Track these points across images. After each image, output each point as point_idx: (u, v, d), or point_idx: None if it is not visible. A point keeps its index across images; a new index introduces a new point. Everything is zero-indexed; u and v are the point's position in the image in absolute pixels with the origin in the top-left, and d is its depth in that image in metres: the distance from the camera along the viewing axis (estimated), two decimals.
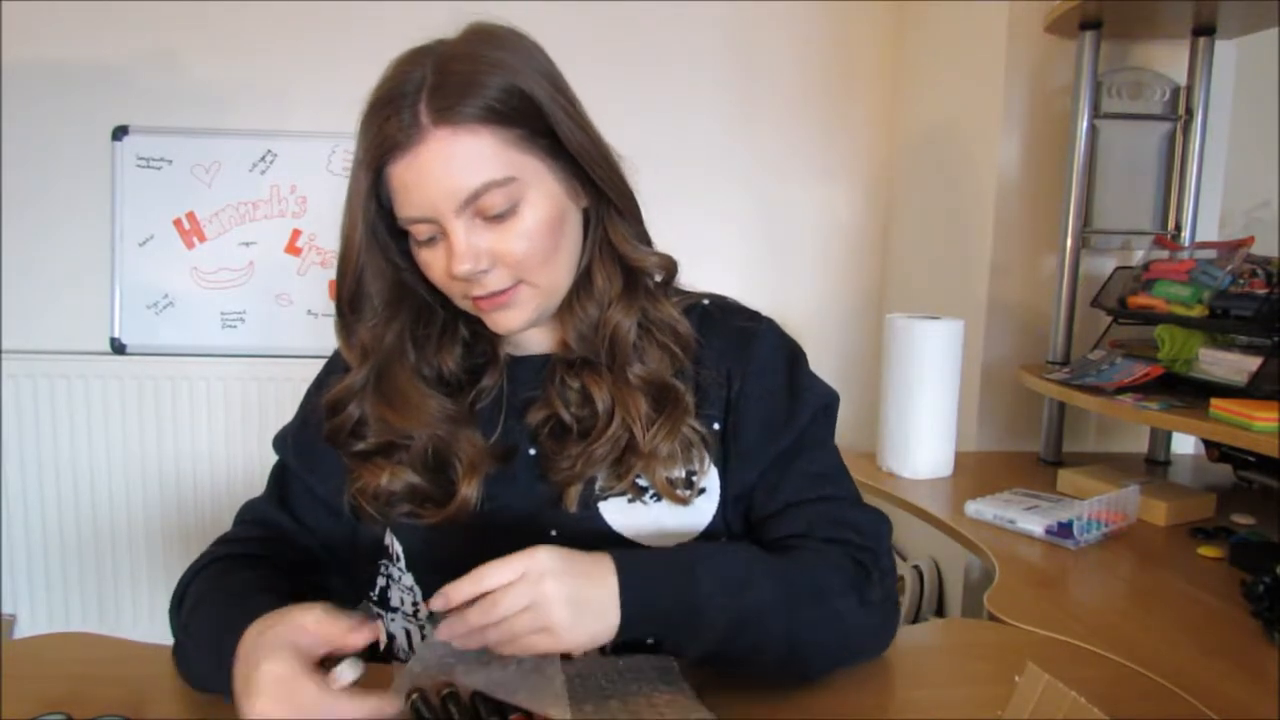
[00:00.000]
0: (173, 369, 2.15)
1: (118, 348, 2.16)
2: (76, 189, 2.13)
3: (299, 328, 2.20)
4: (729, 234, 2.26)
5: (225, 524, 0.88)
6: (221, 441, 2.16)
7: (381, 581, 0.83)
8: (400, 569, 0.81)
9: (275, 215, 2.19)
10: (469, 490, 0.77)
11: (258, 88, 2.15)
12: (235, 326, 2.19)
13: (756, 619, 0.69)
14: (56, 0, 2.07)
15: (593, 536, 0.78)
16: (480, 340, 0.83)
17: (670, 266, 0.83)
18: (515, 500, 0.79)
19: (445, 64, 0.71)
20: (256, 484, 0.90)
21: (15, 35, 2.06)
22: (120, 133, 2.13)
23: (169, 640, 0.79)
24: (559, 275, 0.77)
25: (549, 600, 0.63)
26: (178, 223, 2.16)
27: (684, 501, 0.79)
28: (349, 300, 0.78)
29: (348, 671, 0.61)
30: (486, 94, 0.70)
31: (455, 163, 0.70)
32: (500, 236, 0.72)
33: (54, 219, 2.14)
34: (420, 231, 0.73)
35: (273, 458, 0.88)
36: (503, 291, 0.74)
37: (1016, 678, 0.64)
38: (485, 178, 0.70)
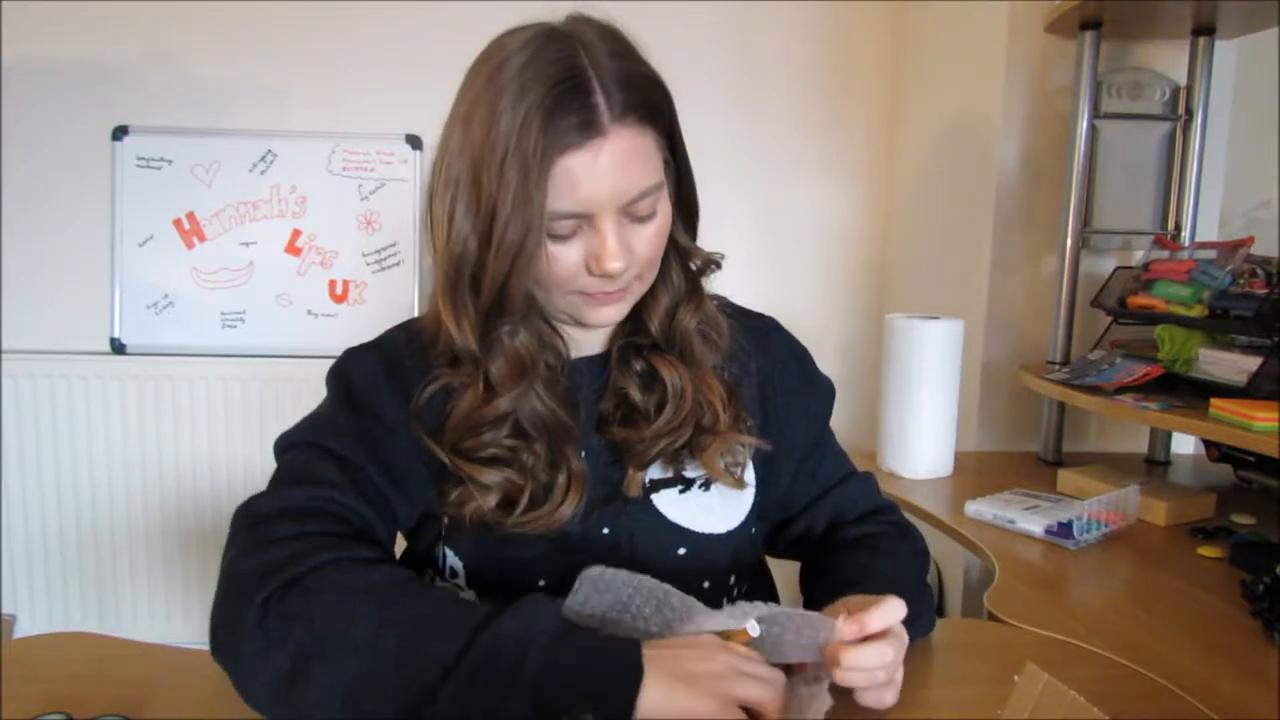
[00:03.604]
0: (173, 369, 2.15)
1: (118, 348, 2.17)
2: (76, 189, 2.13)
3: (299, 328, 2.20)
4: (729, 234, 2.26)
5: (225, 524, 0.76)
6: (221, 441, 2.16)
7: None
8: (458, 585, 0.79)
9: (275, 215, 2.19)
10: (568, 508, 0.76)
11: (258, 88, 2.15)
12: (235, 326, 2.19)
13: (916, 625, 0.78)
14: (57, 0, 2.07)
15: (648, 528, 0.80)
16: (546, 345, 0.80)
17: (713, 263, 0.85)
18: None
19: (601, 59, 0.69)
20: (256, 484, 0.83)
21: (15, 35, 2.07)
22: (120, 133, 2.13)
23: (169, 640, 0.78)
24: (657, 272, 0.80)
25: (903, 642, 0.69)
26: (178, 223, 2.16)
27: (739, 485, 0.83)
28: (506, 307, 0.72)
29: None
30: (650, 95, 0.71)
31: (630, 163, 0.69)
32: (640, 236, 0.73)
33: (54, 219, 2.14)
34: (564, 226, 0.70)
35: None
36: (625, 287, 0.75)
37: (1016, 677, 0.64)
38: (651, 180, 0.71)
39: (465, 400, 0.76)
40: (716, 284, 0.89)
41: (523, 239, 0.68)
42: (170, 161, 2.15)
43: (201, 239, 2.17)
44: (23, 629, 2.16)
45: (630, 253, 0.73)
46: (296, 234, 2.20)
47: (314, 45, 2.14)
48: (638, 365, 0.82)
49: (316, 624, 0.61)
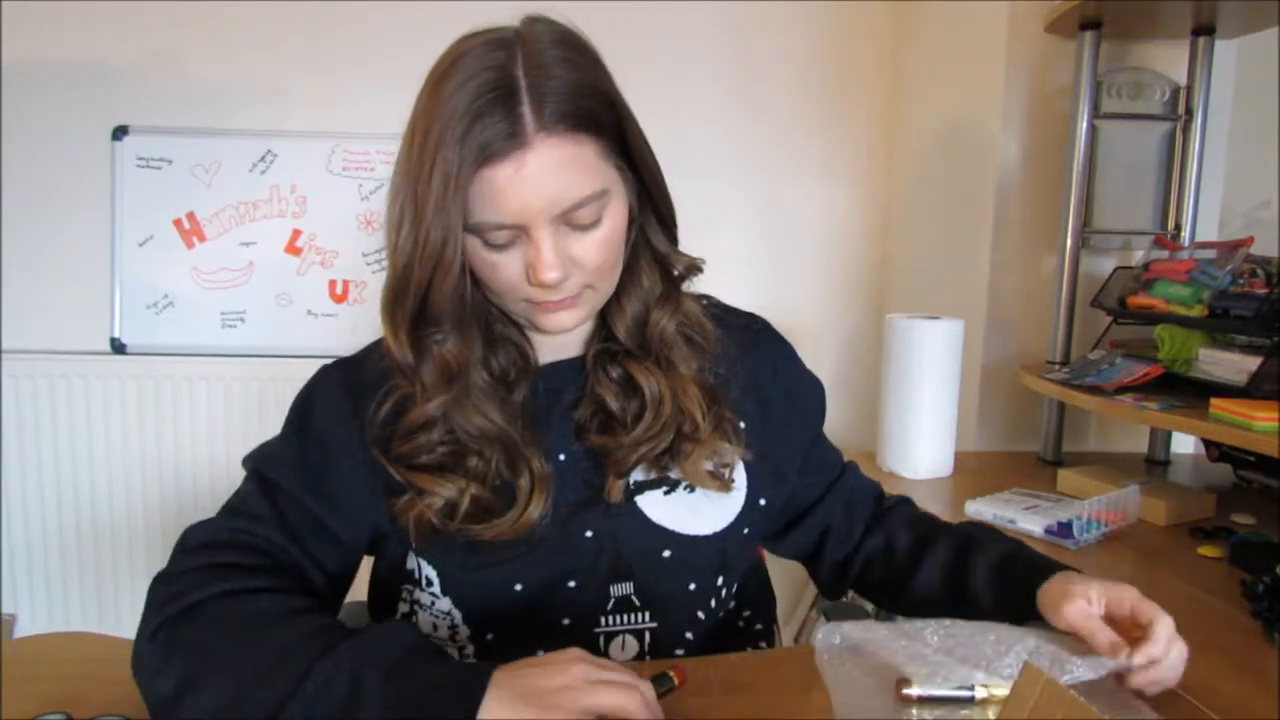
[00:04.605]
0: (173, 369, 2.15)
1: (118, 348, 2.17)
2: (76, 189, 2.13)
3: (299, 328, 2.20)
4: (729, 234, 2.26)
5: None
6: (221, 441, 2.16)
7: (404, 608, 0.82)
8: (433, 594, 0.79)
9: (275, 215, 2.19)
10: (535, 510, 0.75)
11: (258, 88, 2.15)
12: (235, 326, 2.19)
13: None
14: (57, 0, 2.07)
15: (632, 530, 0.79)
16: (511, 343, 0.81)
17: (695, 268, 0.84)
18: (547, 507, 0.78)
19: (540, 65, 0.67)
20: None
21: (15, 35, 2.06)
22: (120, 133, 2.13)
23: None
24: (616, 278, 0.78)
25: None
26: (178, 223, 2.16)
27: (725, 488, 0.81)
28: (430, 315, 0.72)
29: None
30: (587, 103, 0.69)
31: (559, 174, 0.68)
32: (582, 244, 0.72)
33: (54, 219, 2.14)
34: (498, 236, 0.70)
35: None
36: (571, 295, 0.74)
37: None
38: (586, 191, 0.69)
39: (411, 409, 0.76)
40: (716, 285, 0.89)
41: (440, 248, 0.68)
42: (170, 161, 2.15)
43: (201, 239, 2.17)
44: (23, 629, 2.15)
45: (571, 262, 0.71)
46: (296, 234, 2.20)
47: (314, 45, 2.14)
48: (614, 372, 0.81)
49: (194, 655, 0.63)
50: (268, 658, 0.61)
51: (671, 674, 0.67)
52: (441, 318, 0.72)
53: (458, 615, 0.79)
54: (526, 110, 0.66)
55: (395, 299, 0.72)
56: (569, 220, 0.70)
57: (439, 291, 0.70)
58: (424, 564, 0.79)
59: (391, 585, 0.82)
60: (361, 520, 0.78)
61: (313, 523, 0.76)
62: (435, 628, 0.80)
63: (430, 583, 0.79)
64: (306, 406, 0.80)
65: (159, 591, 0.69)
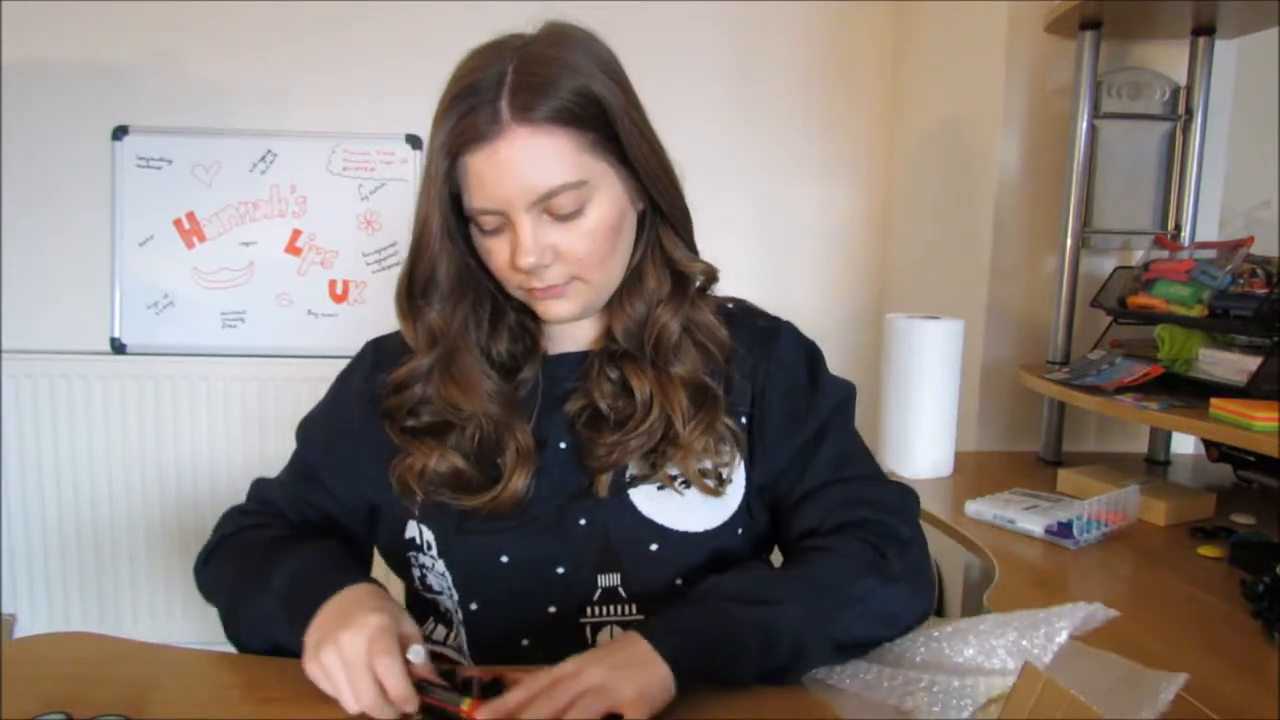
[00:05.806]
0: (173, 369, 2.15)
1: (118, 348, 2.17)
2: (76, 189, 2.13)
3: (299, 328, 2.21)
4: (729, 234, 2.26)
5: None
6: (221, 441, 2.16)
7: (418, 572, 0.85)
8: (432, 556, 0.82)
9: (275, 215, 2.19)
10: (519, 481, 0.79)
11: (258, 88, 2.15)
12: (235, 326, 2.20)
13: (786, 626, 0.71)
14: (57, 0, 2.07)
15: (623, 522, 0.81)
16: (525, 331, 0.85)
17: (712, 275, 0.87)
18: (545, 491, 0.81)
19: (527, 63, 0.73)
20: None
21: (15, 35, 2.07)
22: (120, 133, 2.13)
23: (169, 640, 0.79)
24: (612, 274, 0.81)
25: (585, 672, 0.64)
26: (178, 223, 2.16)
27: (715, 493, 0.82)
28: (420, 284, 0.79)
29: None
30: (565, 97, 0.72)
31: (532, 162, 0.72)
32: (565, 234, 0.75)
33: (54, 219, 2.14)
34: (487, 222, 0.76)
35: (275, 453, 0.93)
36: (558, 285, 0.77)
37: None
38: (559, 180, 0.73)
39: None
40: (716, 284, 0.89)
41: (421, 228, 0.77)
42: (170, 161, 2.15)
43: (201, 239, 2.18)
44: (23, 629, 2.16)
45: (553, 250, 0.76)
46: (296, 234, 2.20)
47: (314, 45, 2.14)
48: (612, 373, 0.83)
49: (211, 577, 0.85)
50: (242, 579, 0.79)
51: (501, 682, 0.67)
52: (430, 289, 0.79)
53: (449, 579, 0.82)
54: (504, 103, 0.71)
55: (405, 274, 0.80)
56: (548, 209, 0.74)
57: (424, 265, 0.78)
58: (424, 529, 0.82)
59: (398, 554, 0.86)
60: (358, 487, 0.86)
61: (309, 475, 0.88)
62: (431, 587, 0.84)
63: (430, 546, 0.82)
64: (342, 375, 0.91)
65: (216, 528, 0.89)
